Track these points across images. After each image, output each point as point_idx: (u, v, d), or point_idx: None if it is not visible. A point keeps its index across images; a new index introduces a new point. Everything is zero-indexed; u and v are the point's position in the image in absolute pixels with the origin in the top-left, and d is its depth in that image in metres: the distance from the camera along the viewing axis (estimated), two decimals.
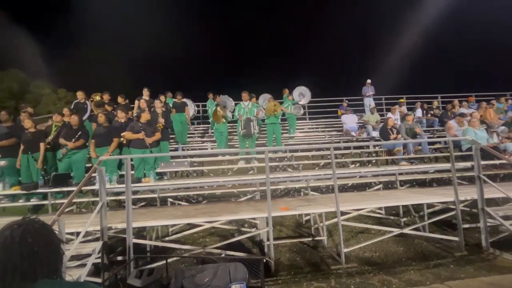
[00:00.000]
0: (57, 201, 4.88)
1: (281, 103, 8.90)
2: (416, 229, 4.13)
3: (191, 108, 9.32)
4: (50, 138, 5.50)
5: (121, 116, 5.93)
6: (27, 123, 5.29)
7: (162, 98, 7.76)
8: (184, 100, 8.46)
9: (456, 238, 3.80)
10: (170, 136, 7.18)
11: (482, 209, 3.76)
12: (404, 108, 9.69)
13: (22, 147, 5.23)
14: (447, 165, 5.29)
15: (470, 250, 3.69)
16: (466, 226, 4.13)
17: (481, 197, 3.79)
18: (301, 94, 9.99)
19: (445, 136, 7.48)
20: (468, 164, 5.16)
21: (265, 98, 9.32)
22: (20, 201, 5.04)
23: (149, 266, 3.03)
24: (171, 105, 7.82)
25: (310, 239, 4.37)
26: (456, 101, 9.46)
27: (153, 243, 3.83)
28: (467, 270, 3.17)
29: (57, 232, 1.03)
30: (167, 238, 4.17)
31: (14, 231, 0.91)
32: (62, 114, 5.97)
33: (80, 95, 7.27)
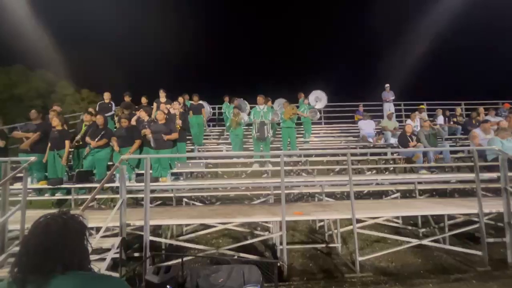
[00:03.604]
0: (79, 197, 5.11)
1: (296, 107, 8.87)
2: (436, 241, 3.98)
3: (207, 110, 9.49)
4: (79, 136, 5.80)
5: (143, 116, 6.15)
6: (55, 122, 5.59)
7: (180, 99, 7.98)
8: (201, 102, 8.64)
9: (479, 252, 3.62)
10: (187, 137, 7.35)
11: (509, 223, 3.57)
12: (424, 115, 9.36)
13: (49, 144, 5.53)
14: (470, 175, 5.05)
15: (494, 266, 3.50)
16: (491, 240, 3.92)
17: (507, 210, 3.60)
18: (318, 98, 9.90)
19: (468, 145, 7.16)
20: (493, 175, 4.91)
21: (280, 103, 9.33)
22: (46, 195, 5.32)
23: (165, 263, 3.11)
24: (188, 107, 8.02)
25: (323, 245, 4.31)
26: (481, 109, 9.00)
27: (168, 241, 3.91)
28: (490, 287, 3.02)
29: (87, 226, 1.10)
30: (181, 237, 4.25)
31: (48, 223, 0.98)
32: (91, 113, 6.27)
33: (106, 95, 7.82)
